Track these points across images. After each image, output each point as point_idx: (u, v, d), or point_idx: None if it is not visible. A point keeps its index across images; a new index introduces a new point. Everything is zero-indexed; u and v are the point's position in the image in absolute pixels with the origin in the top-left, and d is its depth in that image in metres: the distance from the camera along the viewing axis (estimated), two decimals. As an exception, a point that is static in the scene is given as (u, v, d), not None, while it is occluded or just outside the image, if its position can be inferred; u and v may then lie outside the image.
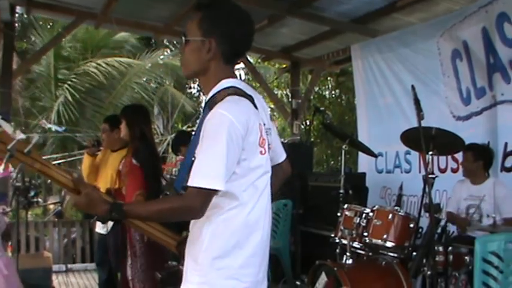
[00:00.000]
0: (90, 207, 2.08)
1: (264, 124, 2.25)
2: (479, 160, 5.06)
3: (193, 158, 2.10)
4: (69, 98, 13.59)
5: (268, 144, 2.27)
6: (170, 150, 15.85)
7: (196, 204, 2.01)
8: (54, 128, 12.80)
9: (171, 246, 2.38)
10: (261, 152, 2.17)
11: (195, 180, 2.00)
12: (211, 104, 2.12)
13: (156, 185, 4.46)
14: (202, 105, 2.27)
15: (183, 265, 2.25)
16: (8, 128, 2.22)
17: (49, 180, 16.36)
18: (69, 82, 13.82)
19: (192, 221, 2.21)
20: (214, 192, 2.01)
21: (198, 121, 2.27)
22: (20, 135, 2.11)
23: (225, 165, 2.00)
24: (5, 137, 2.10)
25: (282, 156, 2.52)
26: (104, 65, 13.90)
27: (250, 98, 2.20)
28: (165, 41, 15.36)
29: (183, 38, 2.21)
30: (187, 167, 2.11)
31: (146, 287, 4.37)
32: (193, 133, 2.41)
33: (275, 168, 2.41)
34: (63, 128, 13.16)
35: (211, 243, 2.12)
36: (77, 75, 13.94)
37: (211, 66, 2.19)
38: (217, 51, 2.17)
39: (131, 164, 4.48)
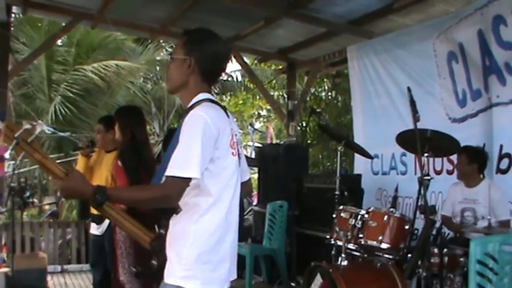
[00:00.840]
0: (76, 189, 2.23)
1: (236, 135, 2.58)
2: (473, 162, 5.05)
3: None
4: (64, 99, 13.57)
5: (239, 153, 2.57)
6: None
7: (172, 192, 2.24)
8: (50, 129, 12.82)
9: (145, 242, 2.47)
10: (232, 153, 2.48)
11: (171, 170, 2.23)
12: (190, 110, 2.41)
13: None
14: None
15: (156, 261, 2.45)
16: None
17: (44, 181, 16.39)
18: (63, 83, 13.78)
19: (174, 220, 2.40)
20: (188, 180, 2.24)
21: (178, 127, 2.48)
22: (27, 125, 2.26)
23: (199, 156, 2.25)
24: (12, 125, 2.24)
25: (246, 175, 2.76)
26: (98, 67, 13.86)
27: (224, 108, 2.55)
28: (161, 41, 15.31)
29: (170, 57, 2.57)
30: (165, 167, 2.32)
31: (137, 285, 4.38)
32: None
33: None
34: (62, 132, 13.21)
35: (196, 239, 2.34)
36: (71, 76, 13.89)
37: (190, 81, 2.52)
38: (195, 68, 2.50)
39: (117, 165, 4.52)
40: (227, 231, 2.43)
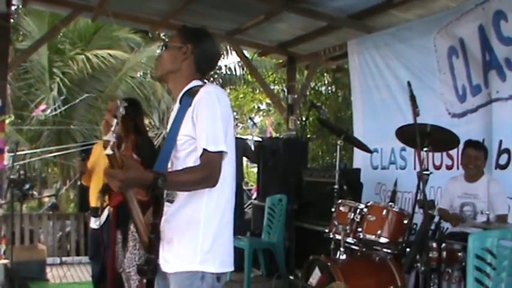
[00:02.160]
0: (138, 178, 2.21)
1: None
2: (486, 158, 5.07)
3: (177, 138, 2.39)
4: (64, 90, 13.52)
5: None
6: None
7: (216, 168, 2.30)
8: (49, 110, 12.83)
9: (145, 235, 2.40)
10: (233, 135, 2.51)
11: (209, 146, 2.29)
12: (192, 92, 2.45)
13: None
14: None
15: (154, 254, 2.38)
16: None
17: (44, 174, 16.38)
18: (62, 73, 13.74)
19: (177, 204, 2.40)
20: (222, 154, 2.33)
21: (175, 111, 2.51)
22: (121, 102, 2.28)
23: (223, 131, 2.34)
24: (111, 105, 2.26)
25: None
26: (97, 57, 13.83)
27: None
28: (161, 35, 15.26)
29: (165, 44, 2.63)
30: (168, 152, 2.40)
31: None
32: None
33: None
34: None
35: (208, 222, 2.36)
36: (71, 66, 13.85)
37: (183, 67, 2.56)
38: (191, 56, 2.56)
39: (132, 158, 4.51)
40: (231, 211, 2.47)
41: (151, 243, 2.36)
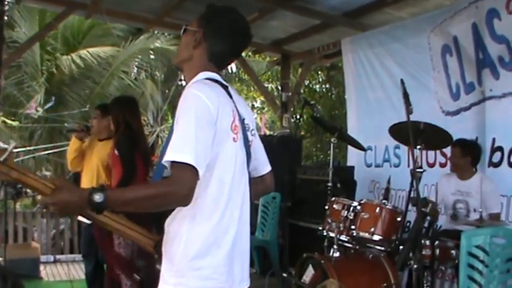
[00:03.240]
0: (68, 199, 1.92)
1: (244, 119, 2.25)
2: (467, 156, 5.07)
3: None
4: (55, 87, 13.49)
5: (248, 141, 2.26)
6: (159, 142, 15.87)
7: (182, 182, 1.90)
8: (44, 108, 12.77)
9: (148, 246, 2.24)
10: (233, 139, 2.13)
11: (174, 156, 1.91)
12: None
13: (133, 177, 4.50)
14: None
15: (160, 266, 2.18)
16: None
17: (37, 172, 16.32)
18: (51, 72, 13.69)
19: (168, 220, 2.12)
20: (195, 170, 1.90)
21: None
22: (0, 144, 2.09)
23: (195, 140, 1.93)
24: None
25: (265, 167, 2.43)
26: (89, 54, 13.76)
27: (225, 88, 2.22)
28: (155, 32, 15.17)
29: (184, 27, 2.30)
30: (163, 156, 2.03)
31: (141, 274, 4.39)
32: None
33: (256, 179, 2.36)
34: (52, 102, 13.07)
35: (188, 243, 2.05)
36: (61, 64, 13.79)
37: (195, 55, 2.25)
38: (202, 43, 2.23)
39: (114, 155, 4.55)
40: (227, 231, 2.10)
41: (158, 254, 2.16)
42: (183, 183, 1.89)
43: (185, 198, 1.92)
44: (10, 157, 2.01)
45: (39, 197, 13.34)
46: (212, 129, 2.01)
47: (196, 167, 1.90)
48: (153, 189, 1.95)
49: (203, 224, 2.05)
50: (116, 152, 4.54)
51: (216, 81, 2.19)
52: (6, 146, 2.07)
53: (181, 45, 2.31)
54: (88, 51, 13.88)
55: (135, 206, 1.96)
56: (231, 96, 2.20)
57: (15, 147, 2.10)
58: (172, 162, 1.91)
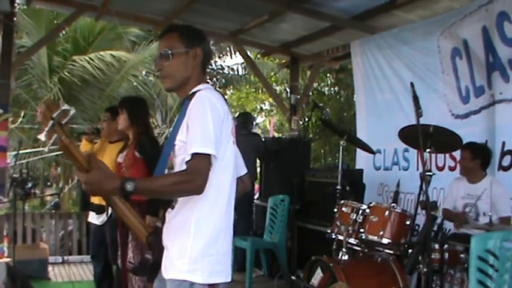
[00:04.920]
0: (102, 182, 2.09)
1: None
2: (476, 159, 5.05)
3: (175, 143, 2.33)
4: (63, 89, 13.50)
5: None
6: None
7: (200, 171, 2.15)
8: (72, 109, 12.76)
9: (142, 236, 2.38)
10: (233, 142, 2.42)
11: (194, 148, 2.17)
12: (191, 96, 2.36)
13: None
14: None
15: (150, 255, 2.46)
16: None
17: (46, 172, 16.42)
18: (64, 73, 13.72)
19: (174, 211, 2.35)
20: (210, 157, 2.19)
21: (178, 114, 2.43)
22: (65, 106, 2.16)
23: (213, 133, 2.21)
24: (51, 105, 2.13)
25: (243, 169, 2.73)
26: (100, 59, 13.79)
27: (223, 96, 2.46)
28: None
29: (169, 52, 2.42)
30: (166, 156, 2.33)
31: (147, 280, 4.38)
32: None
33: (237, 180, 2.57)
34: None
35: (199, 231, 2.27)
36: (69, 66, 13.82)
37: (194, 74, 2.46)
38: (200, 59, 2.47)
39: (134, 156, 4.50)
40: (229, 222, 2.37)
41: (149, 245, 2.36)
42: (201, 174, 2.15)
43: (201, 187, 2.17)
44: (66, 124, 2.16)
45: (48, 198, 13.40)
46: (220, 126, 2.27)
47: (216, 155, 2.20)
48: (177, 178, 2.18)
49: (211, 213, 2.30)
50: (137, 153, 4.50)
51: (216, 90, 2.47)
52: (68, 107, 2.12)
53: (174, 68, 2.43)
54: (100, 55, 13.89)
55: (157, 194, 2.30)
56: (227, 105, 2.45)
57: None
58: (195, 154, 2.16)
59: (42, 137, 2.10)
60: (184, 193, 2.24)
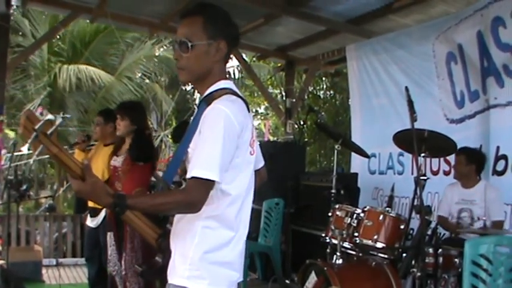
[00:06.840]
0: (93, 197, 2.02)
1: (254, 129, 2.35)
2: (471, 164, 5.07)
3: (188, 150, 2.18)
4: (57, 92, 13.51)
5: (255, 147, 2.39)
6: (163, 146, 15.88)
7: (198, 196, 2.03)
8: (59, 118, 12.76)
9: (152, 238, 2.31)
10: (250, 152, 2.27)
11: (195, 171, 2.03)
12: (208, 100, 2.17)
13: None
14: (197, 101, 2.29)
15: (160, 258, 2.32)
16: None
17: (41, 174, 16.36)
18: (58, 75, 13.70)
19: (178, 216, 2.24)
20: (212, 183, 2.04)
21: (192, 117, 2.28)
22: (49, 116, 2.04)
23: (221, 157, 2.04)
24: (33, 116, 2.01)
25: (260, 162, 2.64)
26: (90, 67, 13.79)
27: (245, 101, 2.27)
28: (162, 39, 15.19)
29: (189, 43, 2.18)
30: (178, 160, 2.23)
31: (141, 281, 4.39)
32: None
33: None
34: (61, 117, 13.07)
35: (202, 239, 2.15)
36: (66, 72, 13.80)
37: (215, 68, 2.25)
38: (224, 51, 2.24)
39: (131, 162, 4.52)
40: (237, 230, 2.23)
41: (159, 247, 2.28)
42: (198, 196, 2.04)
43: (197, 208, 2.06)
44: (54, 132, 2.05)
45: (42, 200, 13.34)
46: (235, 144, 2.12)
47: (219, 181, 2.05)
48: (170, 199, 2.09)
49: (217, 221, 2.17)
50: (135, 160, 4.52)
51: (237, 95, 2.24)
52: (53, 117, 2.05)
53: (193, 61, 2.21)
54: (90, 65, 13.90)
55: (151, 213, 2.23)
56: (249, 110, 2.28)
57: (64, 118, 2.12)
58: (195, 177, 2.03)
59: (25, 149, 2.05)
60: (178, 213, 2.20)
